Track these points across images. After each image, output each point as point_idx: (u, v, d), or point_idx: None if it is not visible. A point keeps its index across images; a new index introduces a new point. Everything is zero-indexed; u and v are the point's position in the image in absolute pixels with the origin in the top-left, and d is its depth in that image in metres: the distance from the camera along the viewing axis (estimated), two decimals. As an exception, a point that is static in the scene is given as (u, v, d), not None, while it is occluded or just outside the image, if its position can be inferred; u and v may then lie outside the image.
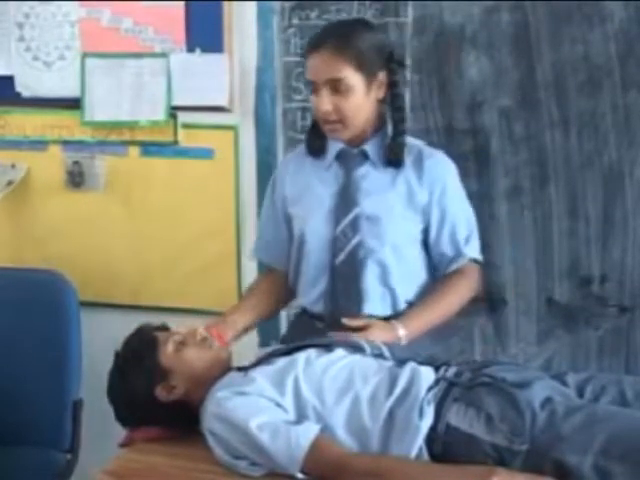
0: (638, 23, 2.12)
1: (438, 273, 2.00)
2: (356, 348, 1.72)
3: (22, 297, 2.39)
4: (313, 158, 2.00)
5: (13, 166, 2.68)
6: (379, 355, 1.70)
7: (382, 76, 1.90)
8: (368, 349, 1.72)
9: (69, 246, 2.68)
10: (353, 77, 1.84)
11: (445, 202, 1.95)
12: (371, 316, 1.91)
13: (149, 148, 2.58)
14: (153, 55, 2.50)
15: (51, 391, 2.30)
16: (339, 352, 1.70)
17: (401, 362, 1.66)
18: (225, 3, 2.42)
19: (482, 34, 2.23)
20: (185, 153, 2.55)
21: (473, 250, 1.99)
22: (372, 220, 1.92)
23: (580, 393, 1.58)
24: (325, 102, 1.85)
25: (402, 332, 1.85)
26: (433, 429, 1.50)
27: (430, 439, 1.50)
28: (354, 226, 1.92)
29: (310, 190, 1.99)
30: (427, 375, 1.60)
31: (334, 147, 1.97)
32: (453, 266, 1.97)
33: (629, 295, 2.25)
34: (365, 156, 1.96)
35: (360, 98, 1.87)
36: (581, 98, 2.19)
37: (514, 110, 2.24)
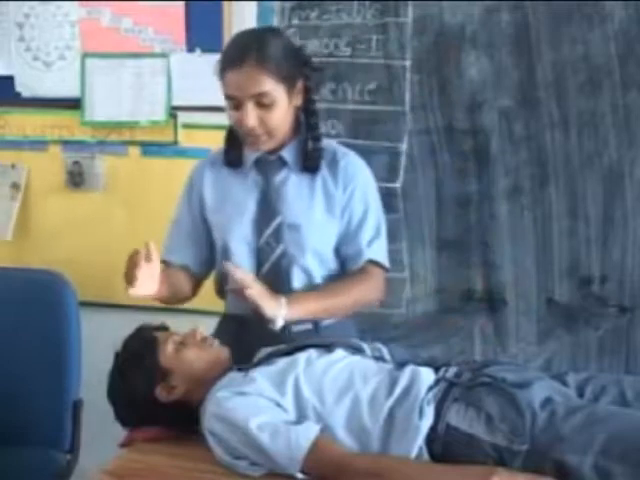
0: (638, 23, 2.12)
1: (342, 272, 1.99)
2: (356, 349, 1.72)
3: (22, 297, 2.39)
4: (231, 169, 1.98)
5: (13, 166, 2.69)
6: (379, 357, 1.70)
7: (300, 83, 1.88)
8: (368, 351, 1.72)
9: (69, 246, 2.68)
10: (276, 89, 1.81)
11: (353, 202, 1.94)
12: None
13: (149, 148, 2.58)
14: (153, 55, 2.50)
15: (51, 391, 2.29)
16: (339, 353, 1.70)
17: (401, 364, 1.66)
18: (225, 3, 2.42)
19: (482, 34, 2.23)
20: (185, 153, 2.55)
21: (375, 252, 1.95)
22: (293, 228, 1.91)
23: (580, 393, 1.58)
24: (251, 118, 1.81)
25: (283, 311, 1.79)
26: (433, 429, 1.50)
27: (430, 439, 1.50)
28: (277, 236, 1.91)
29: (231, 198, 1.96)
30: (427, 375, 1.60)
31: (252, 154, 1.94)
32: (352, 265, 1.95)
33: (629, 295, 2.25)
34: (283, 162, 1.94)
35: (284, 109, 1.84)
36: (581, 98, 2.19)
37: (514, 110, 2.24)
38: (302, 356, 1.67)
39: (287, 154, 1.93)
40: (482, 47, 2.24)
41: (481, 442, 1.46)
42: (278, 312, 1.78)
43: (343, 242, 1.95)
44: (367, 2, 2.30)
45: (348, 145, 2.33)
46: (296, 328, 1.89)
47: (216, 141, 2.50)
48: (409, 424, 1.50)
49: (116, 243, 2.66)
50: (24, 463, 2.22)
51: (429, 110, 2.30)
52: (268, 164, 1.94)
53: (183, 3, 2.45)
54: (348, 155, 1.98)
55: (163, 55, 2.49)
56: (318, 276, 1.94)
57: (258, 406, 1.57)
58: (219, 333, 1.98)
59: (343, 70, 2.36)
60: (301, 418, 1.57)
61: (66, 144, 2.64)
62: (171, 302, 2.01)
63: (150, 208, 2.61)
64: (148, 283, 1.81)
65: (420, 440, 1.49)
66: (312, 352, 1.69)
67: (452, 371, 1.62)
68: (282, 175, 1.94)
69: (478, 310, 2.29)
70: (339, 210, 1.94)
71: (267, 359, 1.71)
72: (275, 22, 2.39)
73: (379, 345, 1.75)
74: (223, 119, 2.47)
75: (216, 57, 2.42)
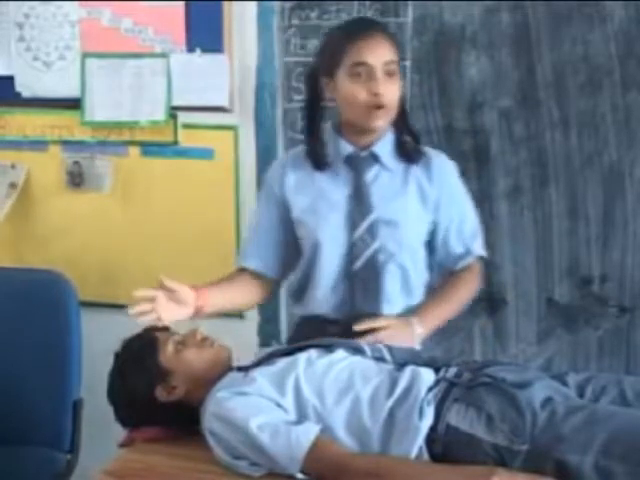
0: (638, 23, 2.13)
1: (444, 270, 1.99)
2: (356, 349, 1.72)
3: (22, 297, 2.39)
4: (319, 170, 1.95)
5: (13, 166, 2.68)
6: (379, 358, 1.70)
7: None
8: (368, 351, 1.72)
9: (69, 246, 2.68)
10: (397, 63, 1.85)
11: (453, 200, 1.95)
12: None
13: (149, 148, 2.58)
14: (153, 55, 2.50)
15: (51, 391, 2.29)
16: (340, 353, 1.70)
17: (401, 364, 1.66)
18: (225, 3, 2.42)
19: (482, 34, 2.23)
20: (185, 153, 2.55)
21: (480, 247, 2.00)
22: (391, 225, 1.89)
23: (580, 393, 1.58)
24: (382, 85, 1.80)
25: (419, 330, 1.85)
26: (433, 429, 1.50)
27: (430, 439, 1.50)
28: (372, 231, 1.89)
29: (322, 196, 1.94)
30: (427, 376, 1.60)
31: (341, 151, 1.92)
32: (462, 263, 1.97)
33: (629, 295, 2.25)
34: (374, 158, 1.91)
35: (400, 86, 1.86)
36: (581, 98, 2.19)
37: (514, 110, 2.25)
38: (302, 356, 1.67)
39: (379, 149, 1.91)
40: (482, 47, 2.24)
41: (481, 442, 1.46)
42: (415, 337, 1.84)
43: (446, 241, 1.96)
44: (367, 2, 2.30)
45: (348, 145, 2.34)
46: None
47: (216, 141, 2.52)
48: (409, 424, 1.50)
49: (116, 243, 2.66)
50: (24, 463, 2.22)
51: (429, 110, 2.30)
52: (360, 160, 1.92)
53: (183, 3, 2.45)
54: (439, 155, 1.97)
55: (163, 55, 2.49)
56: (411, 272, 1.93)
57: (258, 406, 1.57)
58: (299, 336, 1.95)
59: (343, 70, 2.36)
60: (301, 418, 1.57)
61: (66, 144, 2.64)
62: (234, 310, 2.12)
63: (150, 208, 2.61)
64: (174, 310, 1.82)
65: (420, 440, 1.49)
66: (312, 352, 1.69)
67: (452, 371, 1.62)
68: (374, 171, 1.92)
69: (478, 310, 2.29)
70: (432, 207, 1.93)
71: (267, 359, 1.71)
72: (275, 22, 2.39)
73: (379, 345, 1.74)
74: (223, 119, 2.50)
75: (216, 57, 2.45)
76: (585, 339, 2.30)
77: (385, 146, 1.92)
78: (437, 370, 1.63)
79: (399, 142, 1.92)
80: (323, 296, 1.95)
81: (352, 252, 1.90)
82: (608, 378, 1.62)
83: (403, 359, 1.68)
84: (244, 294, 2.02)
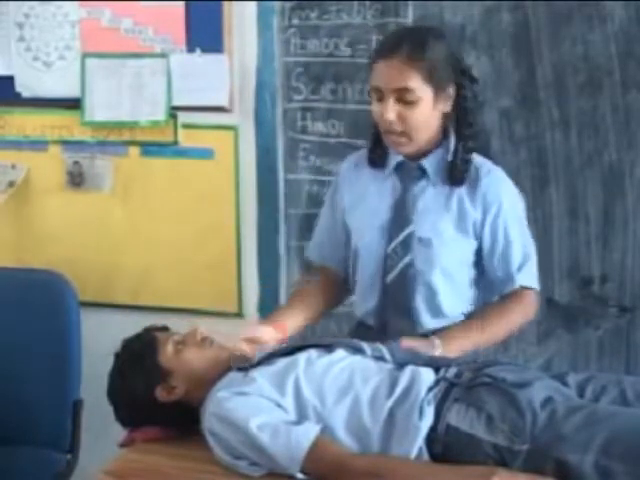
0: (638, 23, 2.12)
1: (490, 294, 1.95)
2: (356, 349, 1.72)
3: (22, 297, 2.39)
4: (372, 168, 1.96)
5: (13, 166, 2.68)
6: (379, 357, 1.70)
7: (451, 90, 1.83)
8: (369, 351, 1.71)
9: (69, 246, 2.68)
10: (422, 88, 1.78)
11: (498, 223, 1.87)
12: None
13: (149, 148, 2.58)
14: (153, 55, 2.50)
15: (51, 391, 2.30)
16: (340, 353, 1.70)
17: (401, 364, 1.66)
18: (225, 3, 2.42)
19: (482, 34, 2.23)
20: (185, 153, 2.55)
21: (526, 277, 1.89)
22: (423, 242, 1.86)
23: (580, 393, 1.58)
24: (391, 111, 1.78)
25: (439, 352, 1.76)
26: (433, 429, 1.50)
27: (430, 439, 1.50)
28: (405, 245, 1.88)
29: (365, 201, 1.94)
30: (427, 376, 1.60)
31: (394, 158, 1.91)
32: (502, 289, 1.90)
33: (629, 295, 2.25)
34: (423, 171, 1.88)
35: (427, 111, 1.80)
36: (581, 98, 2.19)
37: (514, 110, 2.24)
38: (302, 356, 1.67)
39: (428, 164, 1.87)
40: (482, 47, 2.24)
41: (482, 442, 1.46)
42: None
43: (490, 264, 1.89)
44: (367, 2, 2.30)
45: (348, 145, 2.35)
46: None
47: (216, 141, 2.52)
48: (409, 424, 1.50)
49: (116, 243, 2.66)
50: (24, 463, 2.22)
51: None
52: (408, 171, 1.90)
53: (183, 3, 2.45)
54: (491, 173, 1.89)
55: (163, 55, 2.49)
56: (442, 292, 1.89)
57: (258, 406, 1.57)
58: (352, 337, 1.95)
59: (343, 70, 2.36)
60: (301, 418, 1.57)
61: (66, 144, 2.64)
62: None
63: (150, 208, 2.61)
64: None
65: (420, 440, 1.49)
66: (312, 352, 1.69)
67: (452, 371, 1.62)
68: (420, 185, 1.89)
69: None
70: (473, 229, 1.87)
71: (267, 359, 1.71)
72: (275, 22, 2.39)
73: (379, 345, 1.74)
74: (223, 119, 2.50)
75: (216, 57, 2.45)
76: (585, 339, 2.30)
77: (434, 162, 1.88)
78: (437, 370, 1.63)
79: (448, 161, 1.86)
80: (361, 301, 1.97)
81: (386, 263, 1.90)
82: (608, 378, 1.62)
83: (403, 359, 1.68)
84: (317, 304, 2.02)
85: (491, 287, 1.93)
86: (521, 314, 1.90)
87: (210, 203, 2.55)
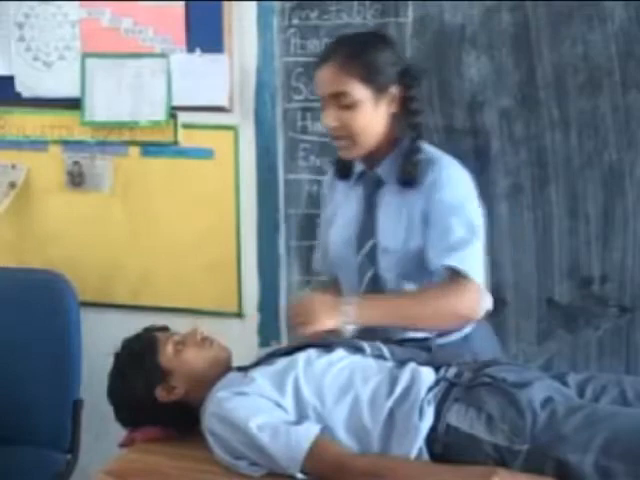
0: (638, 23, 2.12)
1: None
2: (356, 349, 1.72)
3: (22, 297, 2.39)
4: (340, 180, 1.96)
5: (13, 166, 2.68)
6: (379, 356, 1.70)
7: (394, 90, 1.81)
8: (368, 350, 1.72)
9: (69, 246, 2.68)
10: (359, 91, 1.77)
11: (436, 213, 1.80)
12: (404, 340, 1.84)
13: (149, 148, 2.58)
14: (153, 55, 2.50)
15: (51, 391, 2.30)
16: (339, 352, 1.70)
17: (401, 363, 1.66)
18: (225, 3, 2.42)
19: (482, 34, 2.23)
20: (185, 153, 2.55)
21: (457, 260, 1.74)
22: (386, 252, 1.85)
23: (580, 393, 1.58)
24: (331, 117, 1.79)
25: (347, 309, 1.68)
26: (433, 429, 1.50)
27: (430, 439, 1.50)
28: (371, 257, 1.87)
29: (337, 215, 1.95)
30: (427, 375, 1.60)
31: (357, 168, 1.91)
32: (435, 276, 1.79)
33: (629, 295, 2.25)
34: (379, 179, 1.87)
35: (368, 114, 1.79)
36: (581, 98, 2.19)
37: (514, 110, 2.24)
38: (302, 356, 1.67)
39: (383, 171, 1.86)
40: (482, 47, 2.23)
41: (482, 442, 1.46)
42: (341, 325, 1.69)
43: (428, 254, 1.80)
44: (367, 2, 2.30)
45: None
46: (442, 340, 1.85)
47: (216, 141, 2.52)
48: (409, 424, 1.50)
49: (116, 243, 2.66)
50: (24, 463, 2.22)
51: (429, 110, 2.29)
52: (368, 181, 1.89)
53: (183, 3, 2.45)
54: (435, 165, 1.83)
55: (163, 55, 2.48)
56: None
57: (258, 406, 1.57)
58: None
59: (343, 70, 2.36)
60: (301, 418, 1.57)
61: (66, 144, 2.64)
62: None
63: (150, 208, 2.61)
64: None
65: (420, 440, 1.49)
66: (312, 352, 1.69)
67: (452, 371, 1.62)
68: (380, 193, 1.87)
69: (478, 310, 2.29)
70: (423, 226, 1.81)
71: (267, 359, 1.71)
72: (275, 22, 2.39)
73: (379, 344, 1.74)
74: (223, 119, 2.49)
75: (216, 57, 2.45)
76: (585, 339, 2.30)
77: (387, 167, 1.86)
78: (437, 369, 1.63)
79: (399, 165, 1.84)
80: None
81: (359, 275, 1.90)
82: (608, 378, 1.62)
83: (403, 357, 1.68)
84: None
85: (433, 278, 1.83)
86: (451, 299, 1.73)
87: (210, 203, 2.55)
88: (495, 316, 2.32)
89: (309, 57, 2.37)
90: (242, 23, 2.43)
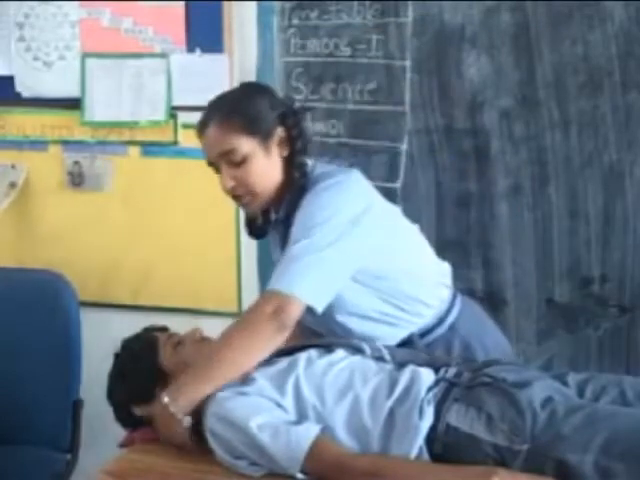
0: (638, 23, 2.12)
1: None
2: (356, 349, 1.72)
3: (22, 297, 2.39)
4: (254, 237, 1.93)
5: (13, 166, 2.68)
6: (379, 357, 1.70)
7: (281, 132, 1.77)
8: (368, 351, 1.72)
9: (69, 246, 2.68)
10: (245, 144, 1.73)
11: (291, 237, 1.71)
12: None
13: (149, 148, 2.58)
14: (153, 55, 2.50)
15: (51, 391, 2.30)
16: (340, 353, 1.69)
17: (401, 364, 1.66)
18: (225, 3, 2.42)
19: (482, 34, 2.23)
20: (185, 153, 2.55)
21: (280, 281, 1.63)
22: None
23: (580, 393, 1.58)
24: (227, 179, 1.75)
25: (172, 407, 1.58)
26: (433, 429, 1.50)
27: (430, 439, 1.49)
28: None
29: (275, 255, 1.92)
30: (427, 376, 1.60)
31: (273, 214, 1.85)
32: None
33: (629, 295, 2.25)
34: (285, 223, 1.79)
35: (261, 164, 1.75)
36: (581, 98, 2.19)
37: (514, 110, 2.24)
38: (302, 356, 1.67)
39: (282, 213, 1.81)
40: (482, 47, 2.24)
41: (481, 442, 1.46)
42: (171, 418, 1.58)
43: None
44: (367, 2, 2.30)
45: (348, 145, 2.35)
46: (429, 338, 1.85)
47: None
48: (409, 424, 1.50)
49: (116, 243, 2.66)
50: (24, 463, 2.22)
51: (429, 110, 2.30)
52: (279, 224, 1.85)
53: (183, 3, 2.45)
54: (311, 191, 1.75)
55: (163, 55, 2.49)
56: (355, 327, 1.82)
57: (258, 406, 1.57)
58: None
59: (343, 70, 2.36)
60: (301, 418, 1.57)
61: (66, 144, 2.64)
62: None
63: (150, 208, 2.61)
64: None
65: (420, 440, 1.49)
66: (312, 352, 1.69)
67: (452, 371, 1.62)
68: (288, 236, 1.76)
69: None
70: None
71: (267, 359, 1.71)
72: (275, 22, 2.39)
73: (379, 345, 1.74)
74: (223, 119, 2.49)
75: (216, 57, 2.45)
76: (585, 339, 2.30)
77: (286, 207, 1.79)
78: (437, 370, 1.63)
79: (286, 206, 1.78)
80: None
81: None
82: (608, 378, 1.62)
83: (403, 359, 1.68)
84: None
85: None
86: (251, 326, 1.62)
87: (210, 203, 2.55)
88: (495, 316, 2.33)
89: (309, 57, 2.37)
90: (242, 23, 2.43)
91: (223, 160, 1.76)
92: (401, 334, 1.86)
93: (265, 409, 1.57)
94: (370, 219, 1.74)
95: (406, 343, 1.85)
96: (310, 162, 1.84)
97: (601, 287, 2.27)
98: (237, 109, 1.76)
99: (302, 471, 1.50)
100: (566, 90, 2.20)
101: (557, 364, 2.30)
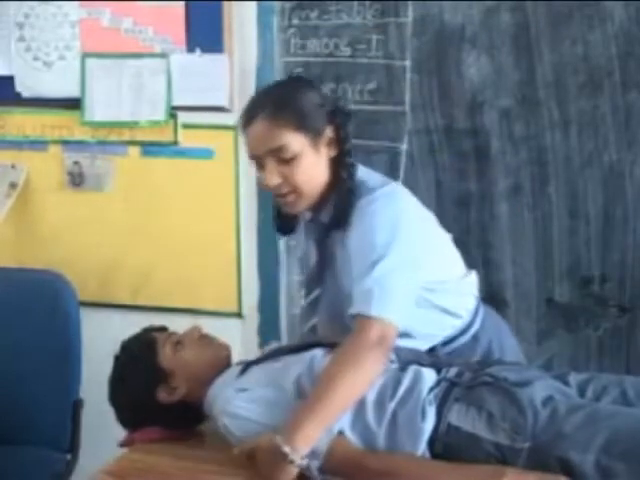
0: (638, 23, 2.12)
1: None
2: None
3: (22, 297, 2.39)
4: (283, 235, 1.89)
5: (13, 166, 2.68)
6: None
7: (329, 131, 1.71)
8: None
9: (69, 246, 2.68)
10: (296, 142, 1.65)
11: (354, 253, 1.66)
12: None
13: (149, 148, 2.58)
14: (153, 55, 2.50)
15: (51, 391, 2.29)
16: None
17: (405, 365, 1.65)
18: (225, 3, 2.42)
19: (482, 34, 2.23)
20: (185, 153, 2.55)
21: (365, 305, 1.58)
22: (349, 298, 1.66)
23: (581, 393, 1.58)
24: (273, 176, 1.67)
25: (287, 449, 1.46)
26: (435, 429, 1.50)
27: (431, 439, 1.49)
28: (314, 306, 1.85)
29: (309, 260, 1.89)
30: (429, 376, 1.60)
31: (302, 218, 1.83)
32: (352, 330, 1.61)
33: (629, 295, 2.25)
34: (323, 226, 1.76)
35: (310, 162, 1.68)
36: (581, 98, 2.19)
37: (514, 110, 2.24)
38: (307, 355, 1.67)
39: (325, 215, 1.75)
40: (482, 47, 2.24)
41: (483, 441, 1.46)
42: (286, 463, 1.47)
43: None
44: (367, 2, 2.30)
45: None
46: (451, 346, 1.81)
47: (216, 141, 2.52)
48: (413, 427, 1.50)
49: (116, 243, 2.66)
50: (24, 463, 2.22)
51: (429, 110, 2.30)
52: (313, 230, 1.81)
53: (183, 3, 2.45)
54: (364, 201, 1.69)
55: (163, 55, 2.49)
56: None
57: (269, 401, 1.58)
58: None
59: (343, 70, 2.36)
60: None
61: (66, 144, 2.64)
62: None
63: (150, 208, 2.61)
64: None
65: (424, 442, 1.49)
66: (317, 351, 1.68)
67: (453, 371, 1.62)
68: (327, 239, 1.77)
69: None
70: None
71: (273, 356, 1.71)
72: (275, 22, 2.39)
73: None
74: (223, 119, 2.49)
75: (216, 57, 2.45)
76: (585, 339, 2.30)
77: (329, 213, 1.74)
78: (439, 370, 1.63)
79: (334, 207, 1.73)
80: None
81: (300, 321, 1.92)
82: (609, 378, 1.62)
83: (408, 359, 1.68)
84: None
85: None
86: (350, 353, 1.55)
87: (210, 203, 2.55)
88: (495, 316, 2.33)
89: (309, 57, 2.37)
90: (242, 23, 2.43)
91: (270, 156, 1.67)
92: (424, 347, 1.80)
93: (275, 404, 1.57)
94: (420, 233, 1.72)
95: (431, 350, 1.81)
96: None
97: (601, 287, 2.27)
98: (289, 103, 1.68)
99: (319, 469, 1.49)
100: (566, 90, 2.20)
101: (557, 364, 2.30)
